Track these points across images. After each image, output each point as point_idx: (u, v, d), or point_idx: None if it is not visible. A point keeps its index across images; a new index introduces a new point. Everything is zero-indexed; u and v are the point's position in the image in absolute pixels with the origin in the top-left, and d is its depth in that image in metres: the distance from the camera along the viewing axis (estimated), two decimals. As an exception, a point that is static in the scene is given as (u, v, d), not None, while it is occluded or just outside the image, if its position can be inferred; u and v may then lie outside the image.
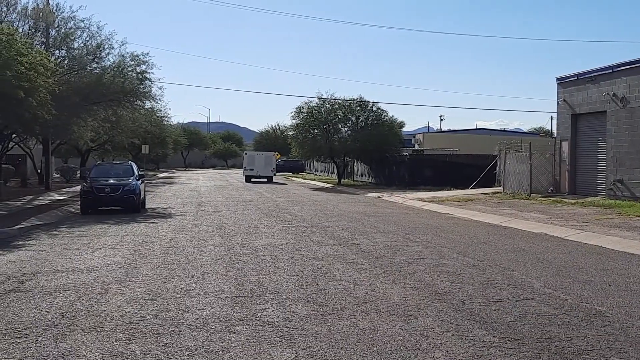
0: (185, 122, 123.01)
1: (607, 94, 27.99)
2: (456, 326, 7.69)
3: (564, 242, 16.04)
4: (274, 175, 59.18)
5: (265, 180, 57.04)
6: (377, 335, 7.32)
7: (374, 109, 50.83)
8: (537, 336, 7.33)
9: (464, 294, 9.47)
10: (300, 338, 7.17)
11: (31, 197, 30.85)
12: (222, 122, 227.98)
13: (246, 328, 7.57)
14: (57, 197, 31.83)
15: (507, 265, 12.18)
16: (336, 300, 9.02)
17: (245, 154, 61.53)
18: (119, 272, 11.32)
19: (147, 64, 35.96)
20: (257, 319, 8.00)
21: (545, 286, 10.18)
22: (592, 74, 29.65)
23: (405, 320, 7.98)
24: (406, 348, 6.84)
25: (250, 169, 57.31)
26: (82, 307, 8.62)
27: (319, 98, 51.22)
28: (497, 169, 37.69)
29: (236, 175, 78.33)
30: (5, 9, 31.53)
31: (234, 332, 7.40)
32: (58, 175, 50.40)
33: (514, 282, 10.54)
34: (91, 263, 12.40)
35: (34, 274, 11.21)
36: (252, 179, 56.91)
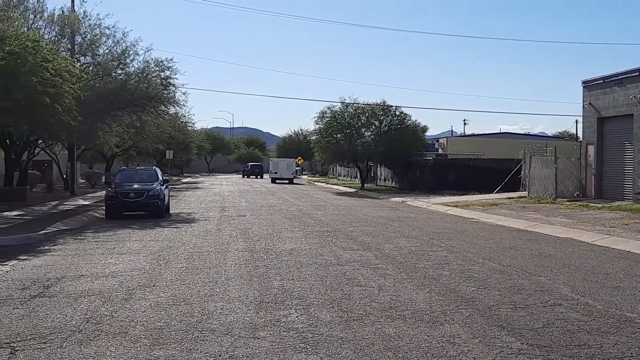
0: (208, 127, 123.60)
1: (634, 96, 27.64)
2: (483, 332, 7.58)
3: (591, 247, 15.83)
4: (294, 177, 70.30)
5: (287, 181, 67.69)
6: (403, 341, 7.23)
7: (397, 113, 50.63)
8: (566, 343, 7.20)
9: (491, 300, 9.35)
10: (325, 344, 7.10)
11: (57, 202, 31.08)
12: (245, 127, 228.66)
13: (270, 334, 7.52)
14: (82, 202, 32.06)
15: (533, 271, 12.02)
16: (361, 306, 8.94)
17: (271, 160, 74.59)
18: (143, 277, 11.33)
19: (171, 69, 36.21)
20: (282, 324, 7.95)
21: (573, 292, 10.03)
22: (619, 77, 29.30)
23: (431, 326, 7.88)
24: (432, 355, 6.75)
25: (275, 172, 69.15)
26: (106, 313, 8.62)
27: (342, 103, 51.25)
28: (522, 173, 37.36)
29: (259, 179, 78.60)
30: (32, 16, 31.86)
31: (258, 338, 7.35)
32: (83, 181, 50.83)
33: (541, 287, 10.39)
34: (116, 268, 12.43)
35: (59, 279, 11.25)
36: (277, 180, 67.98)
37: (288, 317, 8.33)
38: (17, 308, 8.97)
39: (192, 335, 7.50)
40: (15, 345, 7.15)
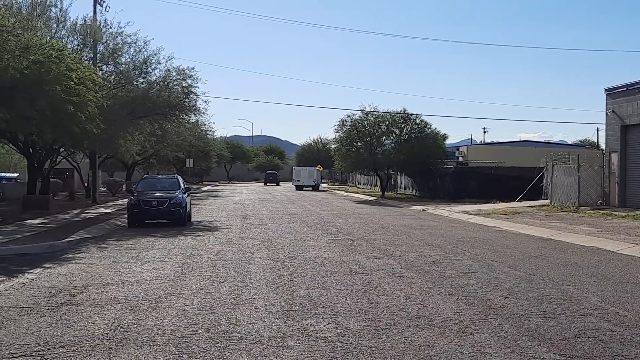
0: (228, 135, 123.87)
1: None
2: (514, 342, 7.49)
3: (617, 256, 15.65)
4: (316, 184, 73.79)
5: (310, 188, 71.95)
6: (433, 351, 7.15)
7: (418, 121, 50.51)
8: (599, 353, 7.09)
9: (519, 309, 9.24)
10: (355, 354, 7.04)
11: (79, 210, 31.28)
12: (264, 135, 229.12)
13: (299, 343, 7.47)
14: (104, 210, 32.23)
15: (560, 280, 11.89)
16: (388, 315, 8.87)
17: (294, 168, 79.83)
18: (169, 286, 11.33)
19: (192, 78, 36.40)
20: (310, 333, 7.89)
21: (602, 301, 9.90)
22: (643, 84, 29.05)
23: (460, 336, 7.80)
24: (464, 365, 6.67)
25: (298, 180, 73.82)
26: (133, 321, 8.61)
27: (362, 111, 51.23)
28: (544, 181, 37.09)
29: (279, 188, 78.73)
30: (55, 25, 32.11)
31: (287, 347, 7.31)
32: (104, 189, 51.12)
33: (570, 297, 10.27)
34: (141, 276, 12.44)
35: (84, 287, 11.28)
36: (304, 188, 71.93)
37: (316, 326, 8.27)
38: (45, 316, 8.99)
39: (221, 344, 7.47)
40: (44, 353, 7.16)
